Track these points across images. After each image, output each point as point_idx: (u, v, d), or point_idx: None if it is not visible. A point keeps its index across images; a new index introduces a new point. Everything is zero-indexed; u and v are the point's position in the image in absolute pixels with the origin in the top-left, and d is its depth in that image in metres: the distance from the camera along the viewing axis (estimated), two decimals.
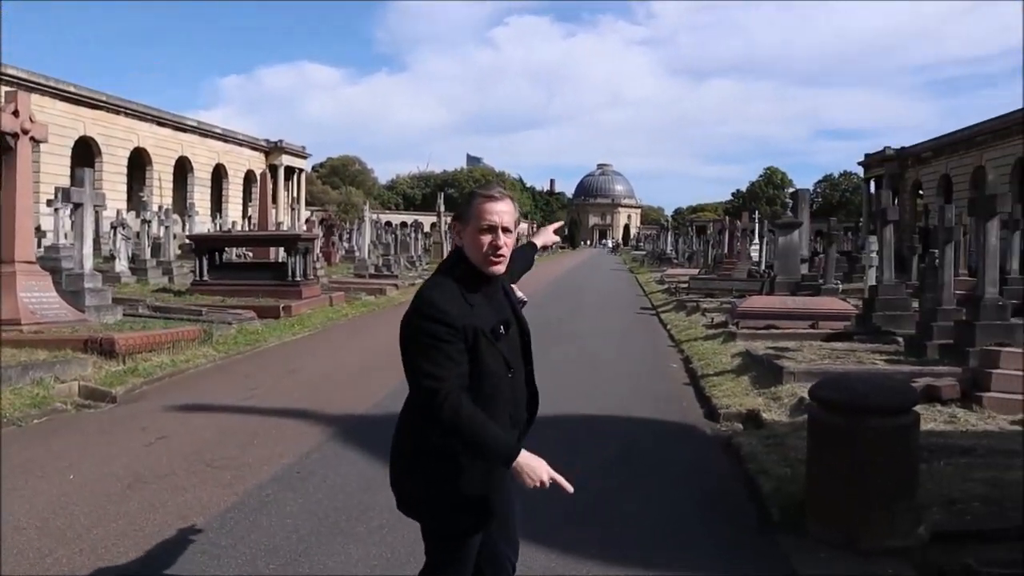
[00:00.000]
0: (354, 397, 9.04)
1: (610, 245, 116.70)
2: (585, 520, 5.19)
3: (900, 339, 11.67)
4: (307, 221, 45.41)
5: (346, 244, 42.21)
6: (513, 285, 3.09)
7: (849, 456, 4.74)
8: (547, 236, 3.85)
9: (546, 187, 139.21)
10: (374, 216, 41.10)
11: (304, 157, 74.70)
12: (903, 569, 4.49)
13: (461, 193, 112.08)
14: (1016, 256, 18.59)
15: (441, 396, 2.50)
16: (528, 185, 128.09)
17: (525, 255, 3.55)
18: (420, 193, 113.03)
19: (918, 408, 5.28)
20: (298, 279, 18.03)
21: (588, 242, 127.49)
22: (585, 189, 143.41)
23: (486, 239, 2.69)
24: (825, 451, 4.97)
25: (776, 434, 7.11)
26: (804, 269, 22.16)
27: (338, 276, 27.13)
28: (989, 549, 4.80)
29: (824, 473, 4.95)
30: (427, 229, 68.13)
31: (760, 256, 33.15)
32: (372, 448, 6.49)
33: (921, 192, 46.96)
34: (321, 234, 33.39)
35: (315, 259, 22.25)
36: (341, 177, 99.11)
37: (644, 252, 71.77)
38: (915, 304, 14.18)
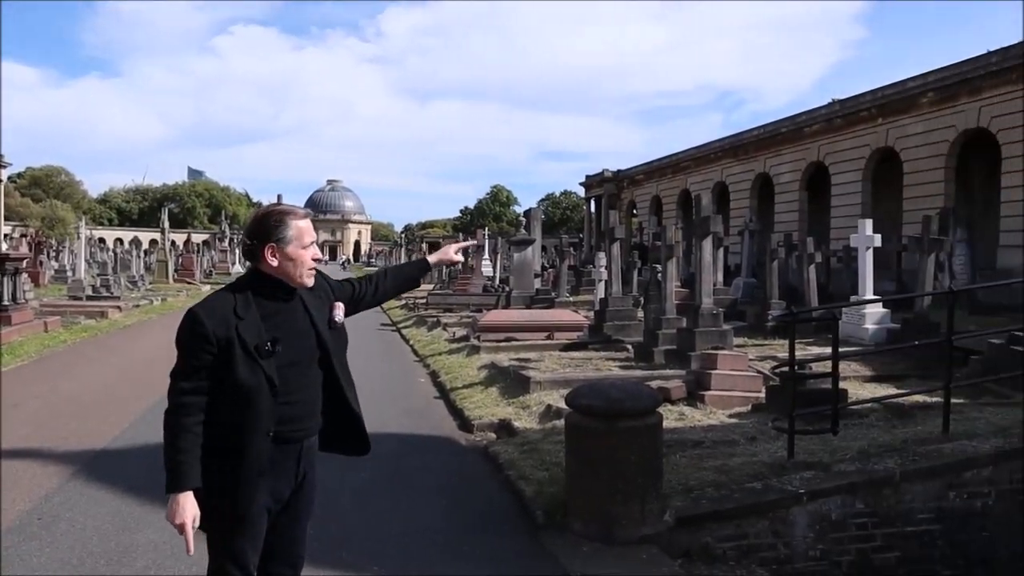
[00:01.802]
0: (92, 430, 8.29)
1: (341, 261, 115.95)
2: (359, 539, 5.25)
3: (629, 347, 12.90)
4: (7, 237, 40.38)
5: (55, 263, 38.02)
6: (339, 303, 3.16)
7: (606, 456, 5.27)
8: (446, 254, 3.70)
9: (274, 202, 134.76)
10: (88, 232, 37.44)
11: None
12: (655, 554, 5.07)
13: (184, 208, 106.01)
14: (720, 269, 21.24)
15: (172, 397, 2.78)
16: (255, 200, 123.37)
17: (409, 273, 3.61)
18: (137, 207, 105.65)
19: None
20: (6, 303, 16.10)
21: None
22: (314, 205, 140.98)
23: (308, 253, 2.93)
24: (583, 453, 5.47)
25: (530, 440, 7.62)
26: (537, 283, 23.59)
27: (50, 299, 24.44)
28: (722, 527, 5.58)
29: (583, 473, 5.44)
30: (147, 246, 63.09)
31: (494, 271, 34.71)
32: (123, 483, 6.01)
33: (635, 211, 51.83)
34: (29, 253, 30.02)
35: (23, 281, 19.93)
36: (44, 189, 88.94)
37: (376, 268, 71.95)
38: (640, 314, 15.71)
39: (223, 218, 61.83)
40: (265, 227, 2.91)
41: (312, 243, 2.96)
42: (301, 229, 2.92)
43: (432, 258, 3.71)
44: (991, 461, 6.55)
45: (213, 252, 56.49)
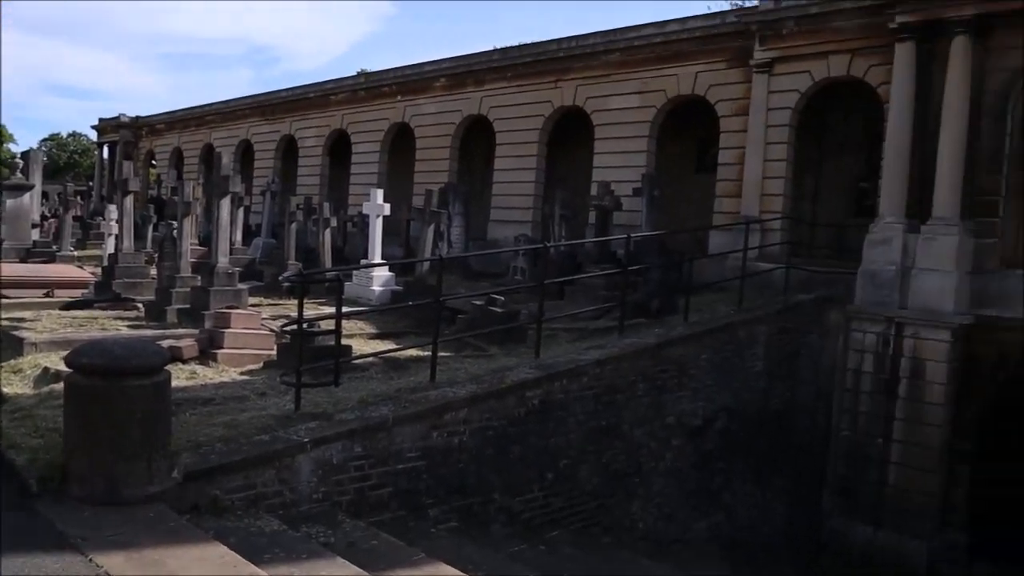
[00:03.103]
0: None
1: None
2: None
3: (141, 305, 12.40)
4: None
5: None
6: None
7: (110, 416, 5.19)
8: None
9: None
10: None
11: None
12: (162, 511, 5.17)
13: None
14: (240, 228, 21.15)
15: None
16: None
17: None
18: None
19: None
20: None
21: None
22: None
23: None
24: (85, 415, 5.31)
25: (22, 407, 7.07)
26: (36, 235, 21.14)
27: None
28: (231, 479, 5.88)
29: (85, 436, 5.29)
30: None
31: None
32: None
33: (154, 162, 48.62)
34: None
35: None
36: None
37: None
38: (153, 272, 15.06)
39: None
40: None
41: None
42: None
43: None
44: (466, 404, 7.83)
45: None
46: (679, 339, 10.84)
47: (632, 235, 12.54)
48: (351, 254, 20.73)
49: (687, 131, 19.49)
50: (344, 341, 8.76)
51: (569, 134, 21.25)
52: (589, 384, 9.36)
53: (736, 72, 16.93)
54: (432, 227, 14.74)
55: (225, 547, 4.81)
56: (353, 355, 9.00)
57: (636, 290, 12.91)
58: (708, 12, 19.61)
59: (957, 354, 12.80)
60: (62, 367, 6.86)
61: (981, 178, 13.05)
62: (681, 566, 10.48)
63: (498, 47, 25.60)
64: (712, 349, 11.40)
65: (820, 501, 13.82)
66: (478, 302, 11.75)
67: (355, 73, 30.80)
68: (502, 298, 11.94)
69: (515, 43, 24.83)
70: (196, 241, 24.50)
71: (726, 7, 26.49)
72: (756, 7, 17.03)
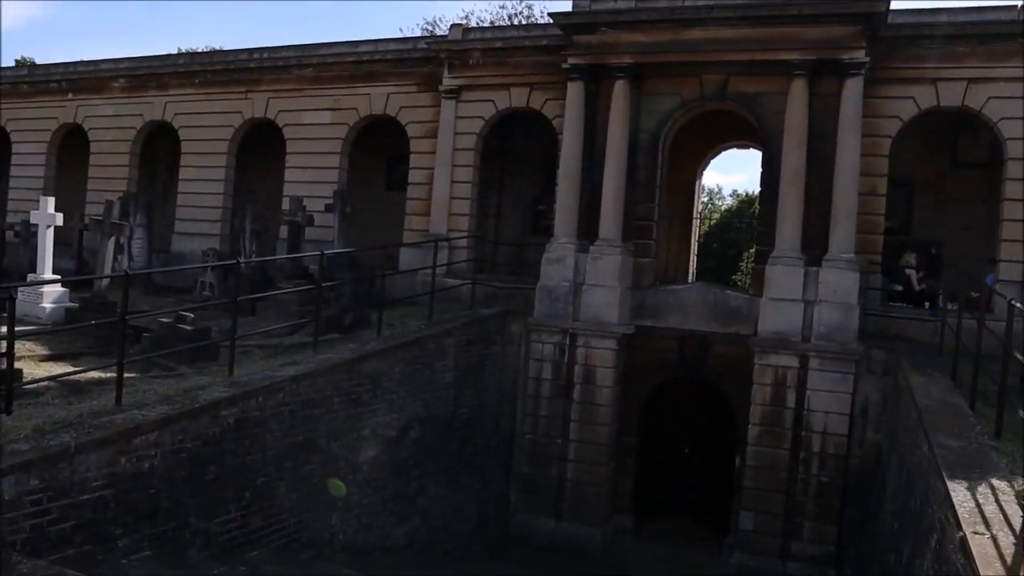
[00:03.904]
0: None
1: None
2: None
3: None
4: None
5: None
6: None
7: None
8: None
9: None
10: None
11: None
12: None
13: None
14: None
15: None
16: None
17: None
18: None
19: None
20: None
21: None
22: None
23: None
24: None
25: None
26: None
27: None
28: None
29: None
30: None
31: None
32: None
33: None
34: None
35: None
36: None
37: None
38: None
39: None
40: None
41: None
42: None
43: None
44: (157, 426, 7.61)
45: None
46: (373, 353, 11.27)
47: (325, 251, 12.76)
48: (12, 267, 18.62)
49: (379, 149, 20.08)
50: None
51: (261, 146, 20.89)
52: (285, 400, 9.46)
53: (426, 96, 17.81)
54: (112, 239, 13.81)
55: None
56: (25, 380, 8.30)
57: (330, 305, 13.15)
58: (402, 36, 20.34)
59: (621, 360, 14.58)
60: None
61: (639, 205, 14.98)
62: (379, 572, 10.88)
63: (183, 50, 24.45)
64: (404, 362, 11.98)
65: (508, 499, 14.98)
66: (166, 319, 11.30)
67: (14, 63, 27.66)
68: (191, 315, 11.60)
69: (202, 47, 23.92)
70: None
71: (419, 33, 27.69)
72: (446, 36, 18.07)
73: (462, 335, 13.65)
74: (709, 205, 41.95)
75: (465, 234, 16.95)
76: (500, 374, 14.86)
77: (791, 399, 13.35)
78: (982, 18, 14.20)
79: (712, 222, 36.12)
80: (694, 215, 20.66)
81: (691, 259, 20.62)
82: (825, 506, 13.24)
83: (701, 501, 14.79)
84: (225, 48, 28.09)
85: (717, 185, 56.77)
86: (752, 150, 18.35)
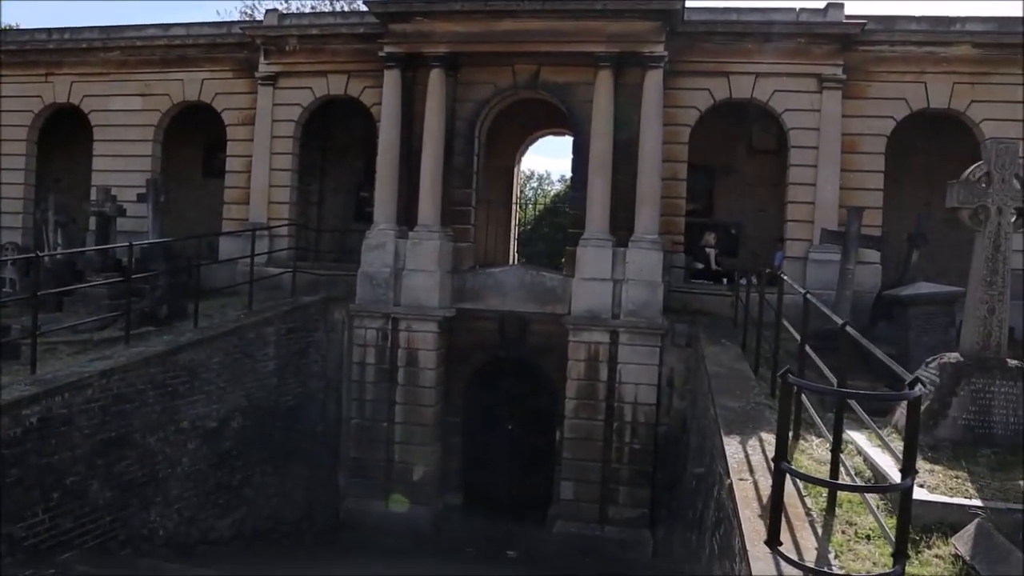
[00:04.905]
0: None
1: None
2: None
3: None
4: None
5: None
6: None
7: None
8: None
9: None
10: None
11: None
12: None
13: None
14: None
15: None
16: None
17: None
18: None
19: None
20: None
21: None
22: None
23: None
24: None
25: None
26: None
27: None
28: None
29: None
30: None
31: None
32: None
33: None
34: None
35: None
36: None
37: None
38: None
39: None
40: None
41: None
42: None
43: None
44: None
45: None
46: (189, 344, 11.21)
47: (136, 243, 12.48)
48: None
49: (196, 136, 19.51)
50: None
51: (66, 133, 19.85)
52: (95, 396, 9.33)
53: (243, 82, 17.55)
54: None
55: None
56: None
57: (144, 298, 12.86)
58: (216, 21, 19.81)
59: (443, 342, 15.08)
60: None
61: (457, 191, 15.48)
62: (204, 564, 10.87)
63: None
64: (224, 352, 11.97)
65: (338, 483, 15.19)
66: None
67: None
68: None
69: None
70: None
71: (238, 17, 26.98)
72: (261, 22, 17.83)
73: (283, 323, 13.71)
74: (539, 190, 43.23)
75: (286, 222, 16.90)
76: (324, 361, 15.01)
77: (603, 373, 14.29)
78: (766, 18, 15.60)
79: (542, 206, 37.26)
80: (514, 199, 21.44)
81: (511, 242, 21.38)
82: (638, 472, 14.28)
83: (527, 475, 15.52)
84: (23, 28, 26.43)
85: (546, 170, 58.44)
86: (568, 137, 19.27)
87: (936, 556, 5.03)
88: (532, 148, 23.27)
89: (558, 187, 41.87)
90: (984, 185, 7.07)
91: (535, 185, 43.77)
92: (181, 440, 10.98)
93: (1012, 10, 44.44)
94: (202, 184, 20.02)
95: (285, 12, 19.26)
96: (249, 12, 29.24)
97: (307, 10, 27.21)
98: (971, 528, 5.04)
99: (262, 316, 13.27)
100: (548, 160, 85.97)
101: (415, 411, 14.86)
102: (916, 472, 4.70)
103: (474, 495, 15.69)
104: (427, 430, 14.90)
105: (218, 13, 48.84)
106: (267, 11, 17.95)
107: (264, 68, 17.05)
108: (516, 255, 22.15)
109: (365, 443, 14.99)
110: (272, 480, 13.37)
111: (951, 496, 5.67)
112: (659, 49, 14.64)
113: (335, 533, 14.75)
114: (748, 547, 5.03)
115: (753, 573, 4.71)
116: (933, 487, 5.83)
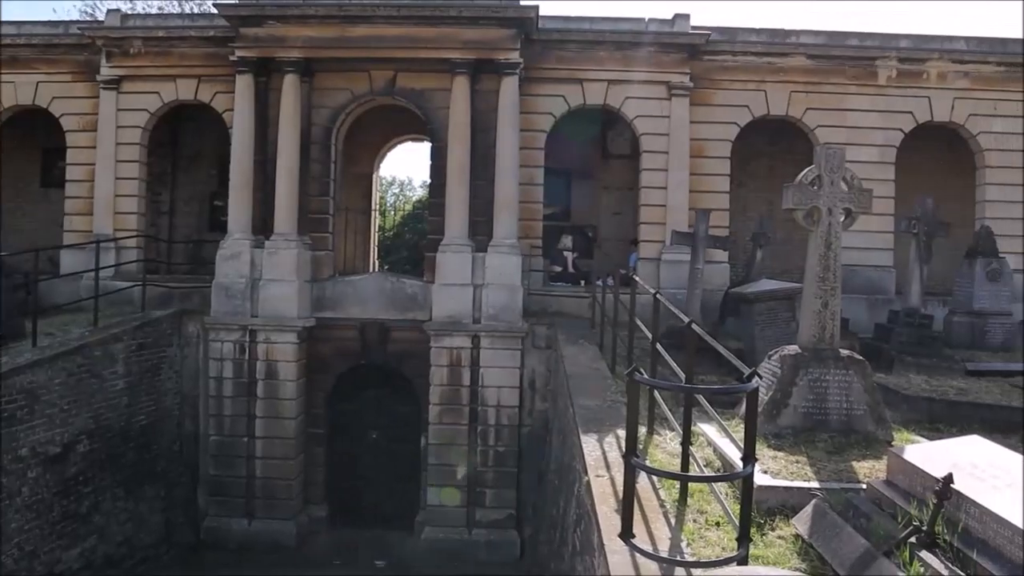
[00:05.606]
0: None
1: None
2: None
3: None
4: None
5: None
6: None
7: None
8: None
9: None
10: None
11: None
12: None
13: None
14: None
15: None
16: None
17: None
18: None
19: None
20: None
21: None
22: None
23: None
24: None
25: None
26: None
27: None
28: None
29: None
30: None
31: None
32: None
33: None
34: None
35: None
36: None
37: None
38: None
39: None
40: None
41: None
42: None
43: None
44: None
45: None
46: (27, 365, 10.66)
47: None
48: None
49: (32, 142, 18.46)
50: None
51: None
52: None
53: (83, 86, 16.67)
54: None
55: None
56: None
57: None
58: (51, 20, 18.68)
59: (303, 353, 14.88)
60: None
61: (314, 199, 15.29)
62: None
63: None
64: (67, 372, 11.43)
65: (197, 503, 14.72)
66: None
67: None
68: None
69: None
70: None
71: (77, 16, 25.60)
72: (102, 22, 17.02)
73: (133, 339, 13.20)
74: (400, 196, 42.98)
75: (134, 233, 16.18)
76: (179, 377, 14.54)
77: (466, 377, 14.47)
78: (617, 27, 16.17)
79: (405, 213, 37.13)
80: (374, 206, 21.32)
81: (371, 250, 21.25)
82: (503, 473, 14.53)
83: (394, 483, 15.49)
84: None
85: (408, 176, 58.10)
86: (428, 143, 19.35)
87: (779, 537, 5.36)
88: (392, 155, 23.18)
89: (420, 193, 41.80)
90: (816, 188, 7.55)
91: (396, 192, 43.47)
92: (20, 469, 10.41)
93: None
94: (41, 194, 18.94)
95: (129, 13, 18.40)
96: (90, 11, 27.71)
97: (153, 11, 26.10)
98: (809, 508, 5.41)
99: (109, 332, 12.72)
100: (409, 167, 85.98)
101: (276, 424, 14.59)
102: (757, 459, 5.03)
103: (340, 506, 15.54)
104: (289, 443, 14.65)
105: (55, 12, 46.16)
106: (108, 11, 17.07)
107: (106, 71, 16.27)
108: (377, 262, 22.02)
109: (224, 460, 14.60)
110: (125, 504, 12.85)
111: (792, 480, 6.06)
112: (514, 56, 14.93)
113: (196, 554, 14.29)
114: (605, 541, 5.22)
115: (610, 566, 4.90)
116: (776, 472, 6.21)
